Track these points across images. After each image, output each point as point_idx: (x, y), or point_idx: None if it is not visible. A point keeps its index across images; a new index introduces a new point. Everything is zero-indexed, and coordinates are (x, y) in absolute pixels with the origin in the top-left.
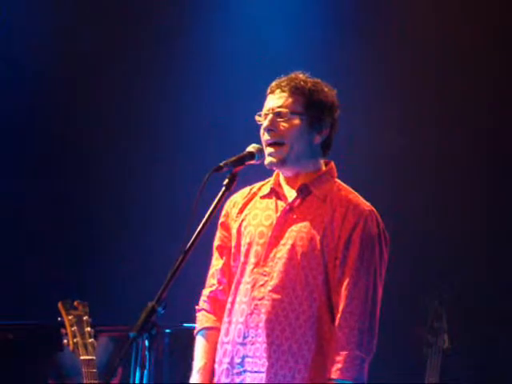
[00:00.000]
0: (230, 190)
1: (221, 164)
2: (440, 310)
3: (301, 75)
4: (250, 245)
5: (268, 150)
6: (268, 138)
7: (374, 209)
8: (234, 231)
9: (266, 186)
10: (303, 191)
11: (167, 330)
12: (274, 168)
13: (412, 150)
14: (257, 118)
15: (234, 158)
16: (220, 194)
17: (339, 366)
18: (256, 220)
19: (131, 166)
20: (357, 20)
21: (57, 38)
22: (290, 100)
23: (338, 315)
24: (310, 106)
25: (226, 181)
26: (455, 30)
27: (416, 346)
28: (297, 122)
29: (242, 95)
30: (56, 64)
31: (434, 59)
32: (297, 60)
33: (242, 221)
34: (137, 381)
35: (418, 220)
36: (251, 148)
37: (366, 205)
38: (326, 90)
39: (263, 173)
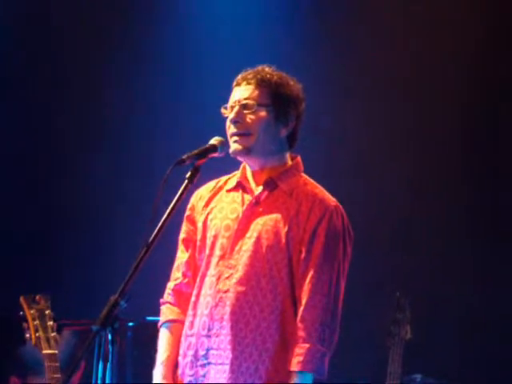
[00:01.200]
0: (193, 183)
1: (183, 157)
2: (403, 301)
3: (267, 68)
4: (215, 237)
5: (233, 138)
6: (234, 130)
7: (339, 204)
8: (199, 224)
9: (232, 179)
10: (269, 185)
11: (130, 324)
12: (239, 157)
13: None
14: (222, 110)
15: (196, 151)
16: (183, 187)
17: (300, 358)
18: (222, 213)
19: (97, 162)
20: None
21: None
22: (257, 92)
23: (301, 308)
24: (275, 98)
25: (189, 174)
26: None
27: (378, 336)
28: (263, 114)
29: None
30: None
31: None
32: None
33: (208, 214)
34: (99, 374)
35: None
36: (214, 141)
37: (332, 200)
38: (291, 83)
39: (227, 166)
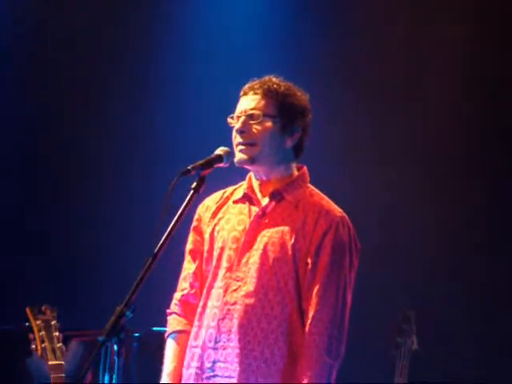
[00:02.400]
0: (199, 193)
1: (189, 167)
2: (408, 313)
3: (274, 79)
4: (222, 249)
5: (239, 148)
6: (240, 139)
7: (345, 215)
8: (206, 235)
9: (239, 190)
10: (276, 196)
11: (136, 334)
12: (244, 165)
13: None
14: (229, 120)
15: (201, 161)
16: (188, 197)
17: (308, 372)
18: (229, 225)
19: (104, 173)
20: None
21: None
22: (263, 102)
23: (308, 321)
24: (282, 109)
25: (195, 184)
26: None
27: (385, 348)
28: (269, 124)
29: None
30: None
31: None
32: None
33: (215, 225)
34: None
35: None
36: (219, 151)
37: (338, 211)
38: (298, 94)
39: (232, 176)
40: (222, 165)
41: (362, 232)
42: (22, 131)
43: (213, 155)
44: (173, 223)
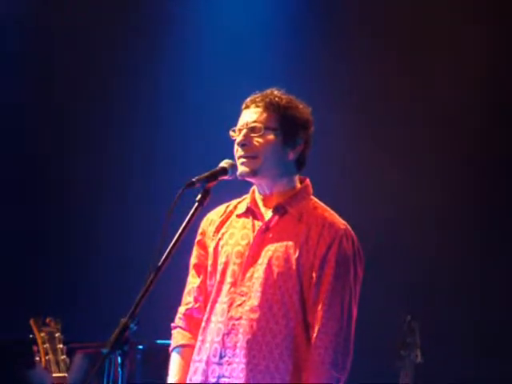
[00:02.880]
0: (203, 206)
1: (193, 180)
2: (413, 325)
3: (276, 92)
4: (226, 264)
5: (240, 160)
6: (242, 152)
7: (349, 227)
8: (210, 250)
9: (242, 203)
10: (279, 210)
11: (140, 347)
12: (246, 178)
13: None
14: (231, 133)
15: (206, 174)
16: (193, 209)
17: None
18: (233, 239)
19: (106, 182)
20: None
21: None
22: (265, 115)
23: (314, 335)
24: (283, 122)
25: (199, 196)
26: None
27: (389, 360)
28: (271, 137)
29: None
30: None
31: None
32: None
33: (219, 240)
34: None
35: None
36: (224, 163)
37: (342, 223)
38: (300, 106)
39: (236, 189)
40: (226, 177)
41: (363, 237)
42: (27, 131)
43: (217, 168)
44: (177, 235)
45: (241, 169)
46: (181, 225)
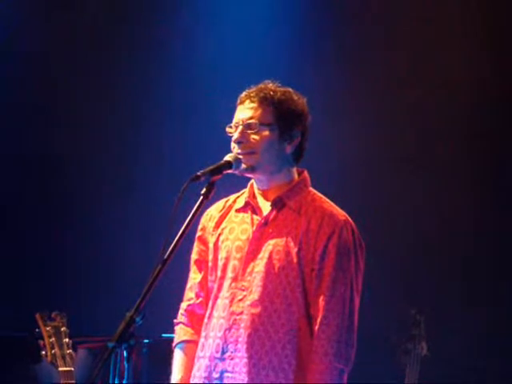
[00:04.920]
0: (208, 200)
1: (198, 173)
2: (418, 318)
3: (270, 85)
4: (227, 259)
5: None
6: (238, 150)
7: (348, 218)
8: (211, 245)
9: (241, 198)
10: (277, 204)
11: (146, 341)
12: (245, 174)
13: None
14: (227, 129)
15: (211, 167)
16: (198, 203)
17: (318, 377)
18: (233, 234)
19: (108, 177)
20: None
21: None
22: (260, 111)
23: (316, 327)
24: (279, 116)
25: (204, 190)
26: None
27: (394, 353)
28: (267, 133)
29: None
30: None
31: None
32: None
33: (219, 235)
34: None
35: (395, 226)
36: (228, 157)
37: (341, 214)
38: (295, 98)
39: (239, 182)
40: (231, 171)
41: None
42: (36, 132)
43: (222, 161)
44: (182, 229)
45: (239, 166)
46: (186, 219)
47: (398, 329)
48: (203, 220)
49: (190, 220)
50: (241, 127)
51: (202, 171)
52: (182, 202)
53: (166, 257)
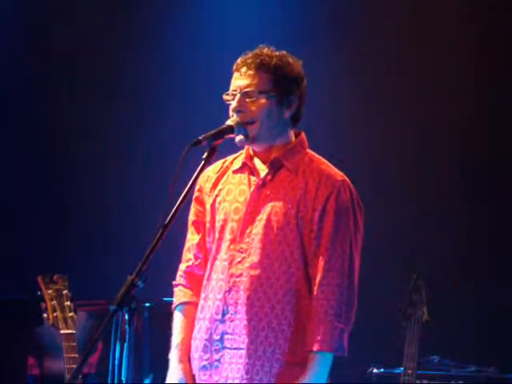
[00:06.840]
0: (210, 164)
1: (199, 138)
2: (419, 283)
3: (266, 49)
4: (225, 221)
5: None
6: (237, 119)
7: (346, 178)
8: (207, 206)
9: (238, 159)
10: (275, 165)
11: (147, 304)
12: (245, 145)
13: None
14: (225, 97)
15: (213, 132)
16: (199, 167)
17: (318, 337)
18: (230, 196)
19: (107, 145)
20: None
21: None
22: (257, 78)
23: (315, 287)
24: (276, 82)
25: (206, 154)
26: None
27: (394, 317)
28: (265, 100)
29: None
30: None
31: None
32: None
33: (216, 196)
34: (117, 354)
35: (393, 191)
36: (230, 121)
37: (339, 174)
38: (291, 62)
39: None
40: (232, 135)
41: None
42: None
43: (224, 125)
44: (184, 193)
45: (239, 137)
46: (187, 183)
47: (400, 294)
48: (200, 181)
49: (192, 184)
50: (238, 95)
51: (203, 135)
52: (183, 166)
53: (167, 221)
